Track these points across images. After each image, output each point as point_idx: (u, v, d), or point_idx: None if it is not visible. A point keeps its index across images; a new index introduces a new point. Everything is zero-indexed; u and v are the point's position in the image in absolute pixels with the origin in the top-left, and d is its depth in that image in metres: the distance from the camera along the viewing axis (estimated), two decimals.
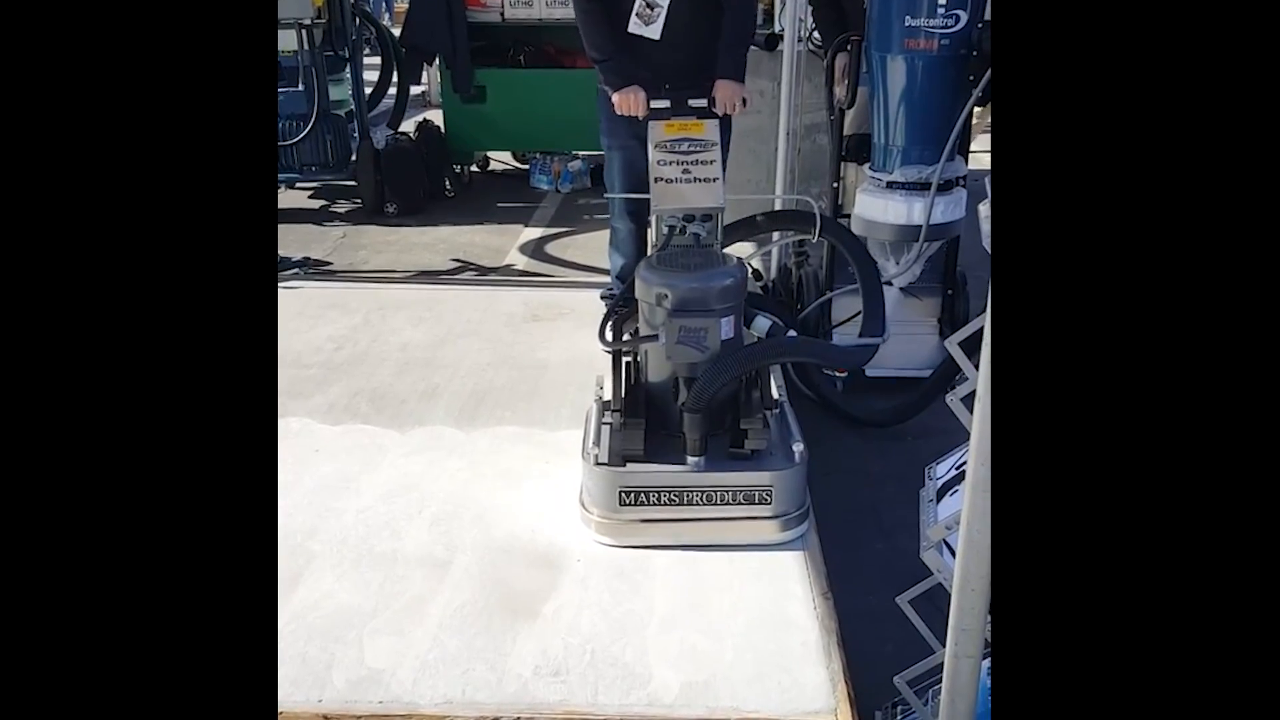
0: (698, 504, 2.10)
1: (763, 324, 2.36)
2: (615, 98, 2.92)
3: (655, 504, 2.10)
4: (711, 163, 2.48)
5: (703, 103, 2.78)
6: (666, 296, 2.09)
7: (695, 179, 2.45)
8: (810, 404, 3.35)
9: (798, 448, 2.15)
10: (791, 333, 2.30)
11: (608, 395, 2.30)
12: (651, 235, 2.50)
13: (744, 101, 2.97)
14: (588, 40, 3.00)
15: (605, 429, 2.21)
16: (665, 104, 2.75)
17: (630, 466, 2.11)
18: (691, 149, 2.50)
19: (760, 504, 2.10)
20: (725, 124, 3.00)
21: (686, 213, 2.41)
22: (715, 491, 2.09)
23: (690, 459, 2.11)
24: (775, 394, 2.39)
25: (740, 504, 2.10)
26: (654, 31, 2.95)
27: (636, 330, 2.32)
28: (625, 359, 2.33)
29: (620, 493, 2.10)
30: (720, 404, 2.14)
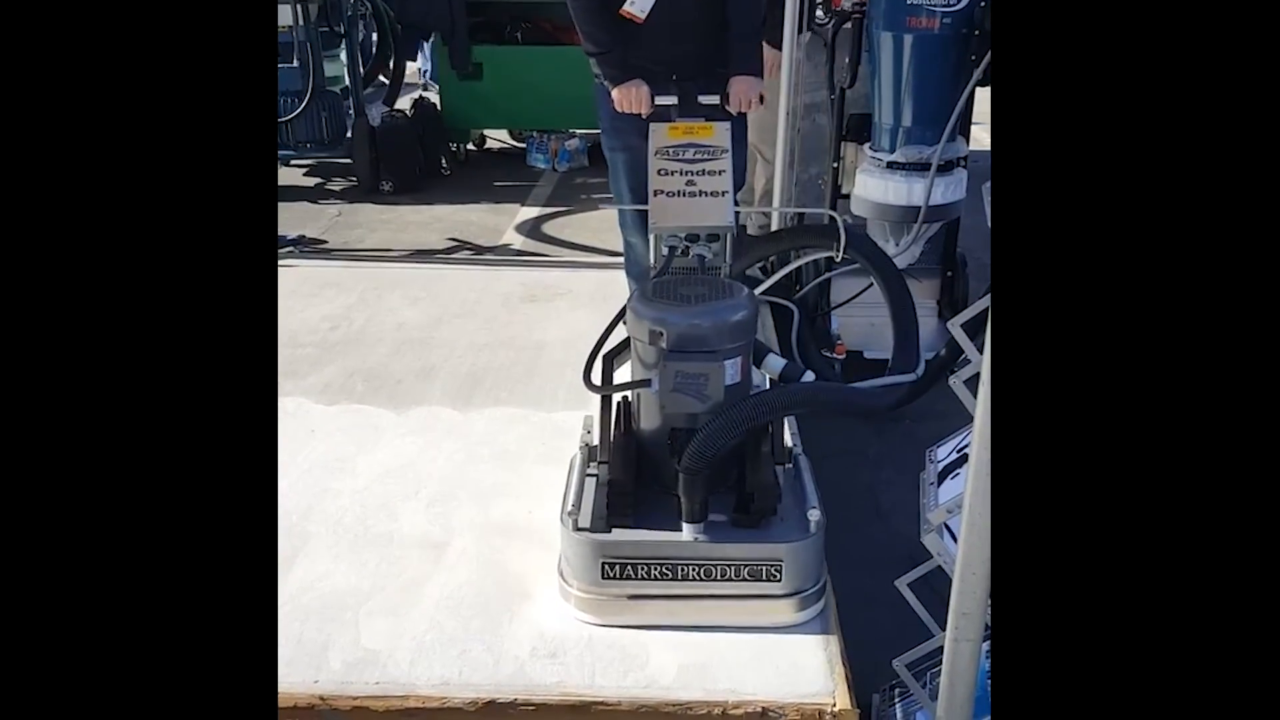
0: (694, 579, 1.77)
1: (775, 364, 1.98)
2: (615, 93, 2.69)
3: (645, 578, 1.77)
4: (720, 173, 2.13)
5: (715, 100, 2.53)
6: (661, 334, 1.75)
7: (701, 192, 2.11)
8: None
9: (814, 515, 1.81)
10: (809, 374, 1.95)
11: (597, 439, 1.98)
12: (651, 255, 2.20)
13: (761, 98, 2.75)
14: (583, 30, 2.76)
15: (590, 483, 1.92)
16: (672, 100, 2.48)
17: (616, 533, 1.78)
18: (698, 157, 2.16)
19: (769, 580, 1.77)
20: (738, 124, 2.79)
21: (690, 231, 2.10)
22: (715, 565, 1.76)
23: (686, 527, 1.76)
24: (789, 442, 2.06)
25: (745, 580, 1.77)
26: (641, 8, 2.69)
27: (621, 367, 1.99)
28: (617, 399, 2.00)
29: (604, 564, 1.77)
30: (724, 458, 1.78)
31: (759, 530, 1.79)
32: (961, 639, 1.36)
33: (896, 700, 1.89)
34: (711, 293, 1.82)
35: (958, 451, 1.73)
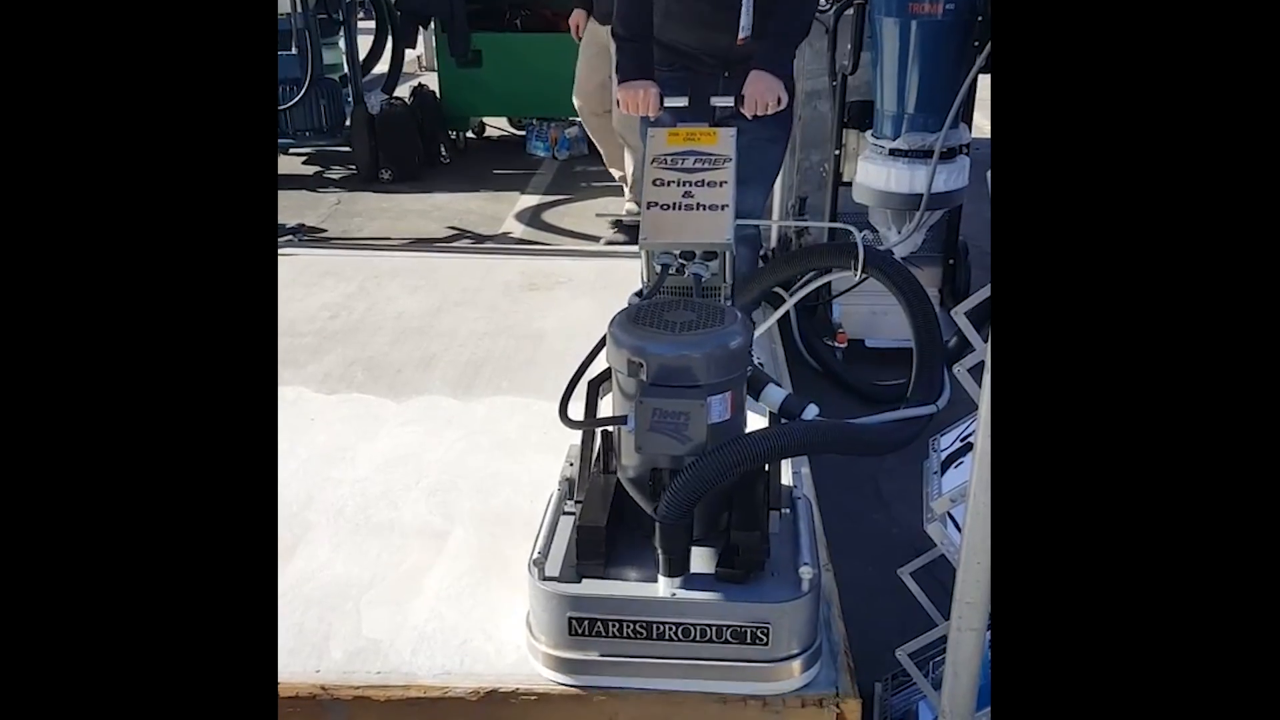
0: (672, 639, 1.58)
1: (775, 396, 1.73)
2: (620, 93, 2.47)
3: (617, 635, 1.59)
4: (721, 185, 1.90)
5: (729, 101, 2.31)
6: (640, 365, 1.56)
7: (698, 205, 1.89)
8: (815, 374, 3.34)
9: (806, 572, 1.61)
10: (812, 409, 1.71)
11: (577, 473, 1.81)
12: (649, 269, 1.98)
13: (779, 100, 2.46)
14: (618, 10, 2.56)
15: (566, 523, 1.73)
16: (682, 102, 2.26)
17: (585, 584, 1.60)
18: (698, 165, 1.93)
19: (754, 644, 1.58)
20: (781, 123, 2.62)
21: (684, 248, 1.90)
22: (694, 626, 1.58)
23: (662, 581, 1.59)
24: (789, 483, 1.85)
25: (728, 642, 1.58)
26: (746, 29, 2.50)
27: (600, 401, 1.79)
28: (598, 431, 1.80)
29: (570, 620, 1.59)
30: (710, 500, 1.61)
31: (744, 588, 1.60)
32: (965, 628, 1.36)
33: (900, 689, 1.89)
34: (700, 319, 1.63)
35: (961, 440, 1.72)
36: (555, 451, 2.13)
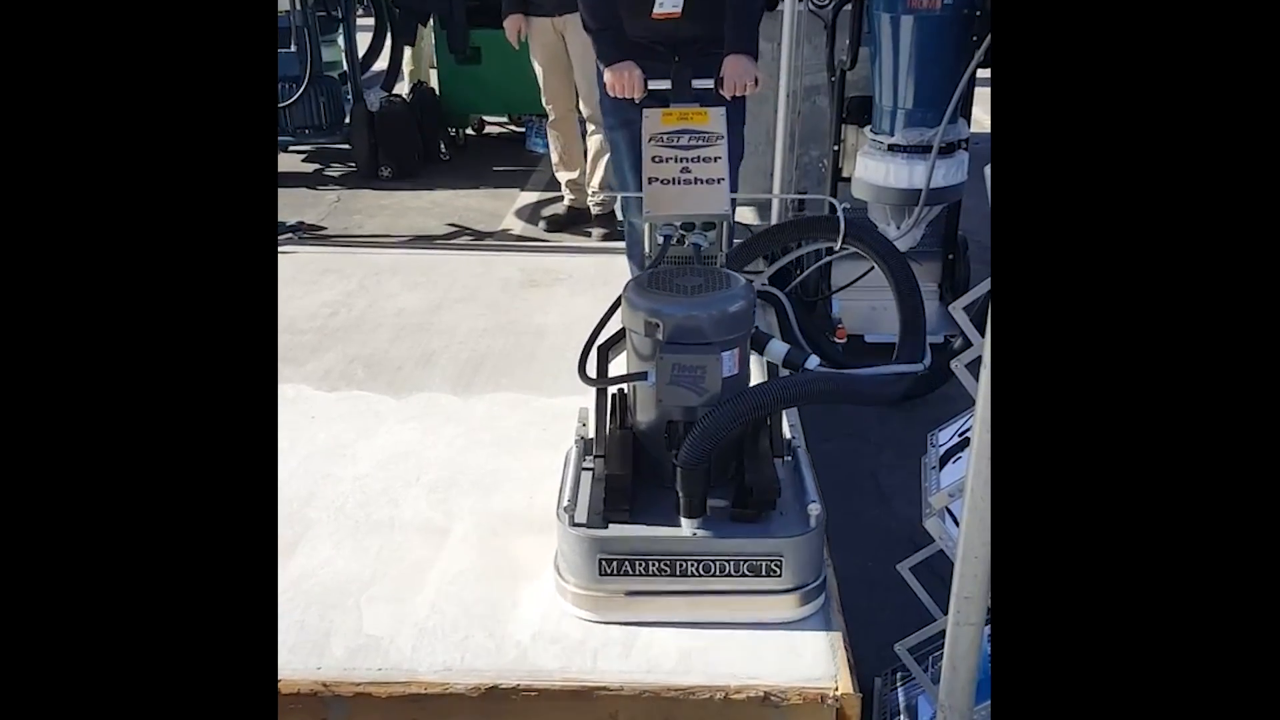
0: (694, 575, 1.75)
1: (778, 349, 1.91)
2: (607, 75, 2.66)
3: (643, 574, 1.75)
4: (716, 160, 2.09)
5: (709, 84, 2.48)
6: (657, 325, 1.73)
7: (696, 180, 2.07)
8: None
9: (814, 509, 1.78)
10: (813, 359, 1.88)
11: (592, 432, 1.96)
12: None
13: (756, 81, 2.67)
14: (584, 3, 2.74)
15: (586, 477, 1.89)
16: (665, 85, 2.44)
17: (613, 529, 1.76)
18: (693, 143, 2.11)
19: (769, 575, 1.75)
20: (738, 108, 2.77)
21: (685, 220, 2.04)
22: (714, 561, 1.74)
23: (685, 522, 1.75)
24: (788, 434, 2.03)
25: (745, 575, 1.75)
26: (674, 4, 2.66)
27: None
28: (612, 390, 1.97)
29: (600, 560, 1.75)
30: (722, 451, 1.78)
31: (758, 525, 1.77)
32: (963, 623, 1.36)
33: (899, 684, 1.90)
34: (708, 283, 1.80)
35: (959, 435, 1.73)
36: (555, 448, 2.14)
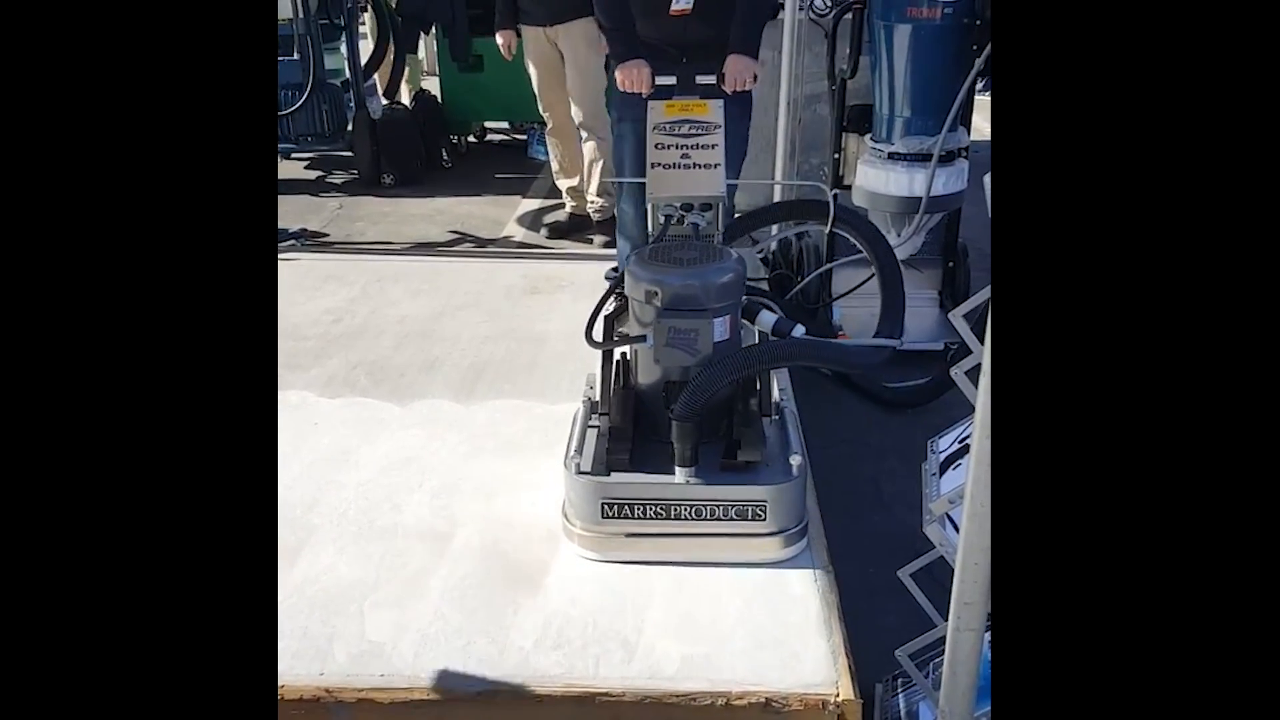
0: (686, 519, 1.94)
1: (767, 319, 2.07)
2: (618, 72, 2.84)
3: (641, 517, 1.95)
4: (713, 147, 2.30)
5: (711, 79, 2.67)
6: (656, 294, 1.91)
7: (695, 164, 2.28)
8: (824, 380, 3.35)
9: (795, 460, 1.97)
10: (799, 328, 2.04)
11: (598, 394, 2.16)
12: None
13: (754, 77, 2.87)
14: (599, 4, 2.92)
15: (591, 433, 2.08)
16: (671, 80, 2.62)
17: (614, 476, 1.95)
18: (693, 132, 2.31)
19: (754, 520, 1.94)
20: (744, 104, 2.94)
21: (685, 201, 2.25)
22: (705, 506, 1.93)
23: (679, 471, 1.93)
24: (777, 397, 2.20)
25: (733, 519, 1.94)
26: (686, 2, 2.87)
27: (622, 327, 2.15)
28: (616, 356, 2.17)
29: (603, 504, 1.95)
30: (714, 410, 1.98)
31: (745, 474, 1.95)
32: (963, 628, 1.36)
33: (899, 690, 1.90)
34: (703, 256, 1.99)
35: (959, 442, 1.73)
36: (557, 454, 2.15)
